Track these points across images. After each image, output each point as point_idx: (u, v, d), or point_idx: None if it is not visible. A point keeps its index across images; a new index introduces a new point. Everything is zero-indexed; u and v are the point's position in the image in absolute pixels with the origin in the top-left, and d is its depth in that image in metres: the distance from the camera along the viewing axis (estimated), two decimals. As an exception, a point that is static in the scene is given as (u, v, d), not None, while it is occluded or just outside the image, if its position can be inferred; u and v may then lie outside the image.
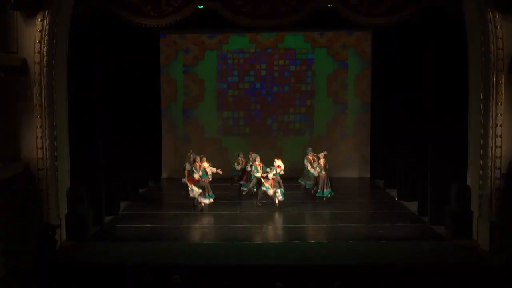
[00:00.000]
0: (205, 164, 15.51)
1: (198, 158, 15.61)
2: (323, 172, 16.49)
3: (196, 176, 15.27)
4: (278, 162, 16.04)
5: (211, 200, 15.58)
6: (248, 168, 16.86)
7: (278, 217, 15.20)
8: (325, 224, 14.50)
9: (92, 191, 13.55)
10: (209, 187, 15.56)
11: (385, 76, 19.01)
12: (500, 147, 12.19)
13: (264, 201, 16.10)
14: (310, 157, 17.35)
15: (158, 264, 11.09)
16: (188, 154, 16.05)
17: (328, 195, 16.47)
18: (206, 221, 14.83)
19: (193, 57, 20.89)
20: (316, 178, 16.87)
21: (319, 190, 16.58)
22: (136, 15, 13.60)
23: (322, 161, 16.62)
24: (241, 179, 17.24)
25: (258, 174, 15.97)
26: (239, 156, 17.47)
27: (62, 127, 12.84)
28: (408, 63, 16.47)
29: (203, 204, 15.48)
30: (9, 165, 11.72)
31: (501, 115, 12.15)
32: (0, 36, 11.87)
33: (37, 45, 12.03)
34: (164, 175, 20.99)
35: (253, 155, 16.66)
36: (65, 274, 10.83)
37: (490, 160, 12.24)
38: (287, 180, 16.90)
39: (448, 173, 13.53)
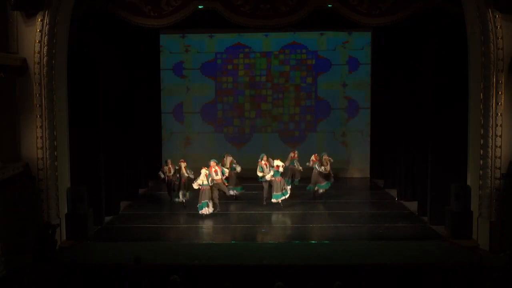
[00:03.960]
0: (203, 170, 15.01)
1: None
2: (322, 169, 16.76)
3: (195, 185, 15.02)
4: (277, 162, 16.04)
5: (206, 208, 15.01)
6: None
7: (278, 217, 15.20)
8: (325, 224, 14.49)
9: (92, 191, 13.55)
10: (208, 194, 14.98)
11: (385, 76, 18.98)
12: (500, 147, 12.22)
13: (264, 202, 16.13)
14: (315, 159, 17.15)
15: (158, 264, 11.09)
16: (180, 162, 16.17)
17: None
18: (206, 221, 14.81)
19: (194, 57, 20.85)
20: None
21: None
22: (136, 15, 13.67)
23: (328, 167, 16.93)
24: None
25: (260, 174, 15.97)
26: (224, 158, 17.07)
27: (62, 127, 12.85)
28: (408, 63, 16.46)
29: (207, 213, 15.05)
30: (9, 165, 11.73)
31: (501, 115, 12.16)
32: (0, 36, 11.89)
33: (37, 45, 12.07)
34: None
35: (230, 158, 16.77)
36: (65, 274, 10.84)
37: (490, 160, 12.26)
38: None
39: (448, 173, 13.52)
